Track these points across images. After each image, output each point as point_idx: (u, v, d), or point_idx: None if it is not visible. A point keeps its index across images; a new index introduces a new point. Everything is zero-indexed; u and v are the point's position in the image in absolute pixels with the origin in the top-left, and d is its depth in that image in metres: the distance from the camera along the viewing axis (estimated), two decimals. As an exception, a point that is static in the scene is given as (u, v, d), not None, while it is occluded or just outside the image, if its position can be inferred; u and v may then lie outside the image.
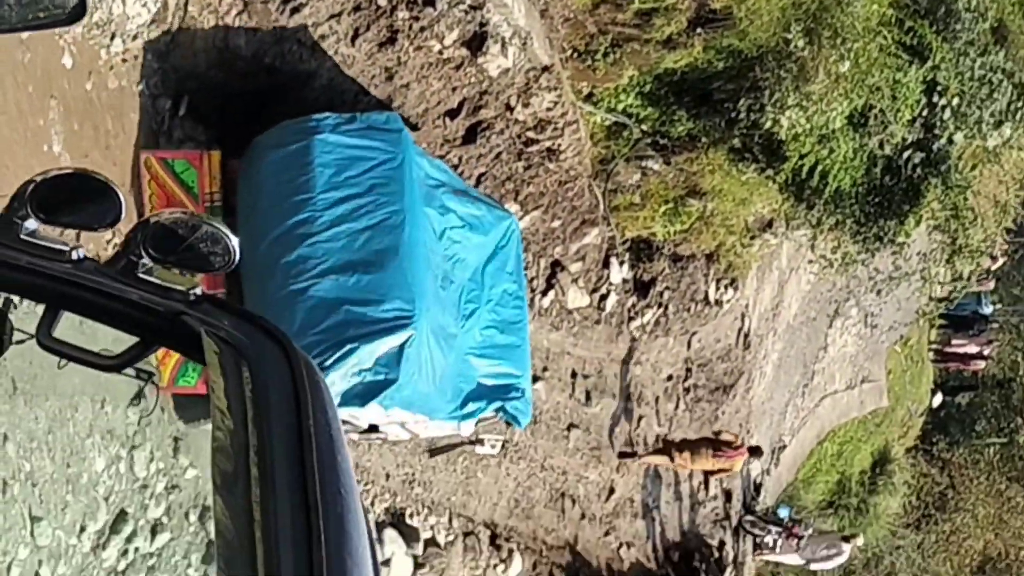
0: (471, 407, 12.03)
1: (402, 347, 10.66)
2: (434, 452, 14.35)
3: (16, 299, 3.48)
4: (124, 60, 10.98)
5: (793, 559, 24.32)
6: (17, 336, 3.54)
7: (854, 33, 15.40)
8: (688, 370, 19.96)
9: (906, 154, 16.98)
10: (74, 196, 3.32)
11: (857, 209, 17.59)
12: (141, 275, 3.18)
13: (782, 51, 15.27)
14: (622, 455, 19.10)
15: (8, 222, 3.20)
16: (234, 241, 3.23)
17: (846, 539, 24.20)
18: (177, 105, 11.62)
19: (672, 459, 19.19)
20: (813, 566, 24.72)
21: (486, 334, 12.19)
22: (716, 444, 19.48)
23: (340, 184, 10.91)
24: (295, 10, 11.84)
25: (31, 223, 3.18)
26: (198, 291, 3.19)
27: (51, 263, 3.17)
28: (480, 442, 14.02)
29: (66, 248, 3.16)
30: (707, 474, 20.66)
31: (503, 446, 15.17)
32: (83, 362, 3.46)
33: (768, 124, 15.42)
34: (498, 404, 12.30)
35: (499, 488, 15.61)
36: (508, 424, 13.14)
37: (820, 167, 16.75)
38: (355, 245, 10.83)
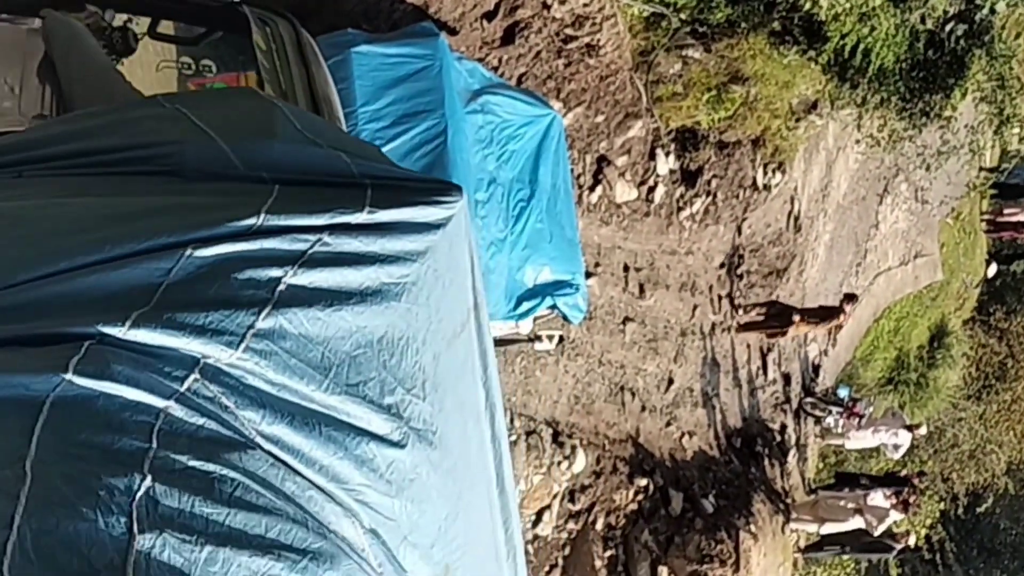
0: (526, 306, 12.07)
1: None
2: (496, 343, 14.38)
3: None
4: None
5: (857, 442, 24.39)
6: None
7: (890, -94, 15.22)
8: (740, 256, 19.94)
9: (948, 27, 16.79)
10: None
11: (902, 85, 17.45)
12: None
13: (821, -69, 15.11)
14: (742, 328, 19.76)
15: None
16: None
17: (909, 428, 24.14)
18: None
19: (787, 327, 19.72)
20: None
21: (536, 232, 12.19)
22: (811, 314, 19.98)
23: (379, 96, 10.86)
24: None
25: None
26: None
27: None
28: (538, 338, 14.07)
29: None
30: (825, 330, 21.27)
31: (560, 342, 15.23)
32: (176, 40, 6.88)
33: (807, 5, 15.30)
34: (552, 301, 12.34)
35: (558, 385, 15.70)
36: (564, 320, 13.17)
37: (862, 45, 16.60)
38: (397, 157, 10.85)
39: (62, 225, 3.79)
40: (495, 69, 13.41)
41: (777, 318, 19.97)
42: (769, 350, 21.84)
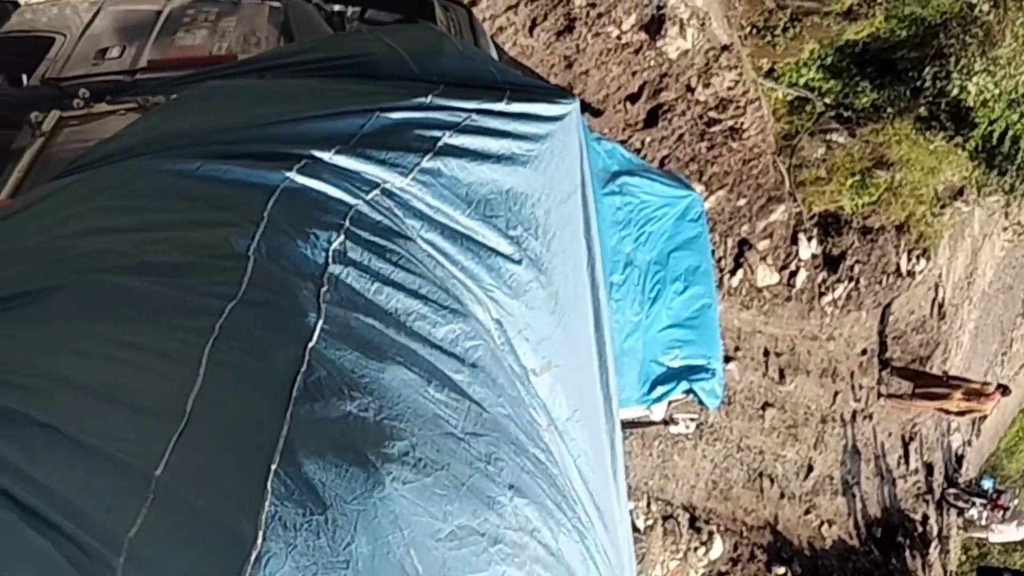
0: (660, 390, 11.92)
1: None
2: (626, 426, 14.28)
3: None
4: None
5: (1002, 536, 23.83)
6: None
7: (1041, -6, 15.07)
8: (883, 343, 19.69)
9: (1102, 114, 16.54)
10: None
11: (1052, 173, 17.22)
12: None
13: (966, 16, 14.99)
14: (891, 396, 19.48)
15: None
16: None
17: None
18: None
19: (939, 400, 19.44)
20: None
21: (673, 315, 12.07)
22: (964, 389, 19.58)
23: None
24: (472, 3, 11.97)
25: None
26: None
27: None
28: (674, 422, 13.96)
29: None
30: (959, 413, 20.69)
31: (698, 427, 15.12)
32: (378, 24, 8.38)
33: (955, 91, 15.18)
34: (688, 386, 12.20)
35: (696, 470, 15.58)
36: (700, 405, 13.05)
37: (1011, 132, 16.41)
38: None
39: (290, 93, 5.58)
40: (637, 151, 13.45)
41: (930, 388, 19.68)
42: (911, 439, 21.48)
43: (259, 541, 3.56)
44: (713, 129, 14.56)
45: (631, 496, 14.53)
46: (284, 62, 6.14)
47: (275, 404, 3.93)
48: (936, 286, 20.50)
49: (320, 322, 4.26)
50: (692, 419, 14.34)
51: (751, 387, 16.74)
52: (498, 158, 5.61)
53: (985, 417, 22.15)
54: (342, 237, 4.65)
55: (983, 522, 23.25)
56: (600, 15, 12.56)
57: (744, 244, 16.14)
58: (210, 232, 4.53)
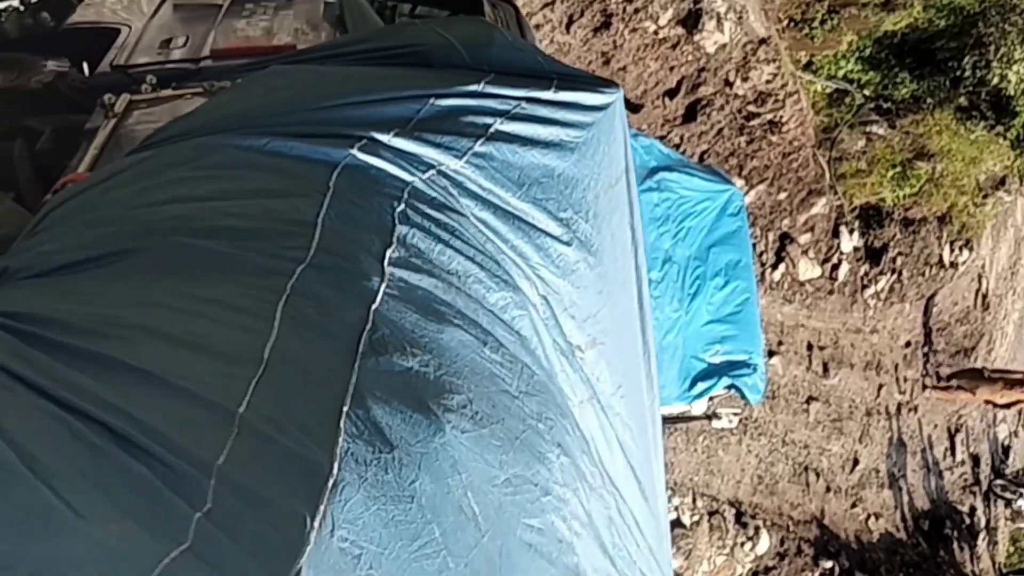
0: (701, 386, 11.91)
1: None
2: (668, 421, 14.24)
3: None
4: None
5: None
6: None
7: (1080, -21, 14.98)
8: (927, 335, 19.59)
9: None
10: None
11: (1095, 161, 17.11)
12: None
13: (1006, 4, 14.93)
14: (936, 386, 19.34)
15: None
16: None
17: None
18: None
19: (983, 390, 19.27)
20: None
21: (714, 310, 12.05)
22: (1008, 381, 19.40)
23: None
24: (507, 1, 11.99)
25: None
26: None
27: None
28: (717, 417, 13.93)
29: None
30: (1005, 406, 20.52)
31: (741, 422, 15.08)
32: (426, 18, 8.41)
33: (995, 80, 15.11)
34: (729, 381, 12.17)
35: (741, 465, 15.55)
36: (743, 400, 13.02)
37: (1054, 121, 16.32)
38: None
39: (348, 79, 5.81)
40: (677, 146, 13.44)
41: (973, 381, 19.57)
42: (957, 431, 21.35)
43: (335, 471, 3.98)
44: (752, 123, 14.53)
45: (676, 492, 14.54)
46: (342, 51, 6.43)
47: (344, 356, 4.34)
48: (979, 277, 20.38)
49: (383, 285, 4.66)
50: (735, 414, 14.30)
51: (795, 381, 16.69)
52: (547, 144, 5.89)
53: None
54: (403, 206, 5.05)
55: (1031, 513, 23.14)
56: (637, 10, 12.57)
57: (785, 238, 16.10)
58: (279, 201, 5.00)
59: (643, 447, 6.72)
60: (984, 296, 20.72)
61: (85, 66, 7.82)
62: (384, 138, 5.31)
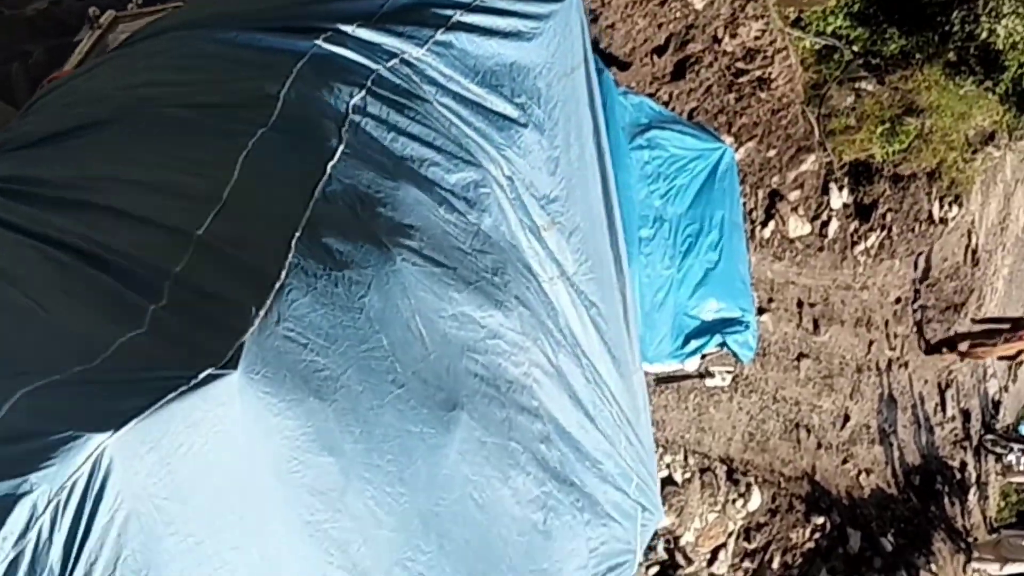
0: (694, 344, 11.89)
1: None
2: (661, 380, 14.25)
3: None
4: None
5: None
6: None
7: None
8: (916, 291, 19.62)
9: None
10: None
11: (1083, 115, 17.08)
12: None
13: (994, -43, 14.87)
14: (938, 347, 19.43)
15: None
16: None
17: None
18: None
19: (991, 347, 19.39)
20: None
21: (705, 269, 12.04)
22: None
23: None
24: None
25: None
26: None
27: None
28: (709, 375, 13.94)
29: None
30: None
31: (733, 380, 15.10)
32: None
33: (984, 34, 15.07)
34: (721, 339, 12.16)
35: (732, 423, 15.58)
36: (734, 358, 13.01)
37: (1042, 74, 16.29)
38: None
39: None
40: (666, 104, 13.40)
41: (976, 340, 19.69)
42: (947, 386, 21.41)
43: (283, 276, 4.55)
44: (741, 80, 14.50)
45: (668, 450, 14.57)
46: None
47: (299, 199, 4.89)
48: (969, 232, 20.40)
49: (341, 147, 5.15)
50: (728, 372, 14.31)
51: (785, 338, 16.71)
52: (504, 34, 6.32)
53: (1022, 363, 22.07)
54: (363, 93, 5.48)
55: (1021, 467, 23.19)
56: (624, -33, 12.53)
57: (775, 195, 16.09)
58: (247, 83, 5.51)
59: (615, 326, 7.13)
60: (974, 251, 20.75)
61: None
62: (349, 29, 5.74)
